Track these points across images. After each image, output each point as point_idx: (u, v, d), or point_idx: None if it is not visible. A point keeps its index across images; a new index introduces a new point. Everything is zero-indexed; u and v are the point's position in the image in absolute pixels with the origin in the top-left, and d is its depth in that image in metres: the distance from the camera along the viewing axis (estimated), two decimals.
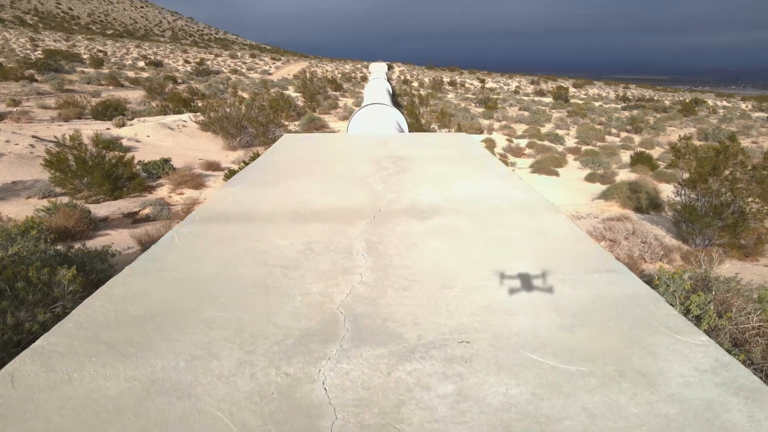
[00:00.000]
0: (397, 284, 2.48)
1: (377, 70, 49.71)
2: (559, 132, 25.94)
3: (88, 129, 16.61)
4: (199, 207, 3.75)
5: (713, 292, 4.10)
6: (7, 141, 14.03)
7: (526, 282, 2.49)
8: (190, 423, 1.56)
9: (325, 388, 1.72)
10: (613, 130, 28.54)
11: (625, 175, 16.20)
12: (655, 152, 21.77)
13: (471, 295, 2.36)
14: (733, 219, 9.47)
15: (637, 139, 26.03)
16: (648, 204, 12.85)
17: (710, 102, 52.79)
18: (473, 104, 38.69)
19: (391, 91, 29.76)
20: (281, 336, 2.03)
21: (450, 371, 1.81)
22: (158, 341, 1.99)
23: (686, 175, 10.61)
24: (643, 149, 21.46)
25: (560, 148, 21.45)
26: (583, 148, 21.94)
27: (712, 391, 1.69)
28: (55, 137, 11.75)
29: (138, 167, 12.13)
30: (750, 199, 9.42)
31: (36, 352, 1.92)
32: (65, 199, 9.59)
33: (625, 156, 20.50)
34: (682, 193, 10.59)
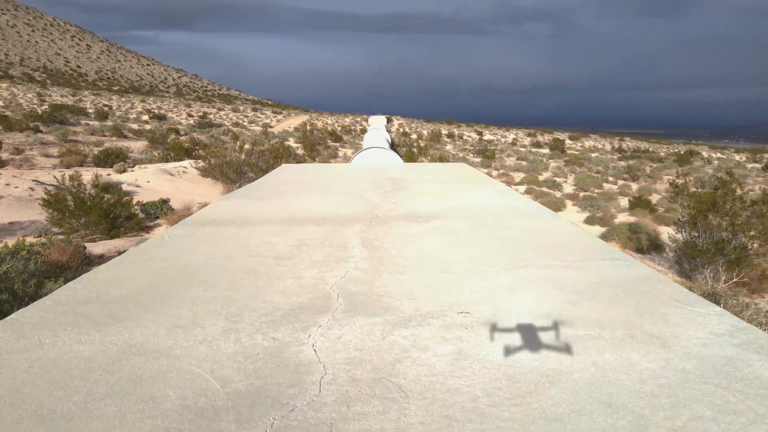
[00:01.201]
0: (393, 269, 2.37)
1: (377, 121, 50.57)
2: (557, 179, 26.12)
3: (89, 174, 16.72)
4: (192, 215, 3.68)
5: (721, 304, 3.96)
6: (7, 184, 14.07)
7: (528, 268, 2.39)
8: (168, 379, 1.44)
9: (315, 350, 1.60)
10: (611, 178, 28.73)
11: (624, 218, 16.15)
12: (653, 198, 21.83)
13: (470, 277, 2.26)
14: (735, 254, 9.35)
15: (634, 186, 26.16)
16: (649, 244, 12.71)
17: (705, 153, 53.46)
18: (471, 154, 39.16)
19: (390, 141, 30.14)
20: (270, 309, 1.92)
21: (449, 335, 1.70)
22: (139, 314, 1.87)
23: (686, 212, 10.57)
24: (641, 195, 21.55)
25: (558, 194, 21.51)
26: (582, 194, 22.02)
27: (731, 350, 1.57)
28: (55, 177, 11.81)
29: (136, 208, 12.10)
30: (752, 233, 9.34)
31: (8, 323, 1.81)
32: (61, 238, 9.49)
33: (624, 201, 20.53)
34: (683, 230, 10.51)
